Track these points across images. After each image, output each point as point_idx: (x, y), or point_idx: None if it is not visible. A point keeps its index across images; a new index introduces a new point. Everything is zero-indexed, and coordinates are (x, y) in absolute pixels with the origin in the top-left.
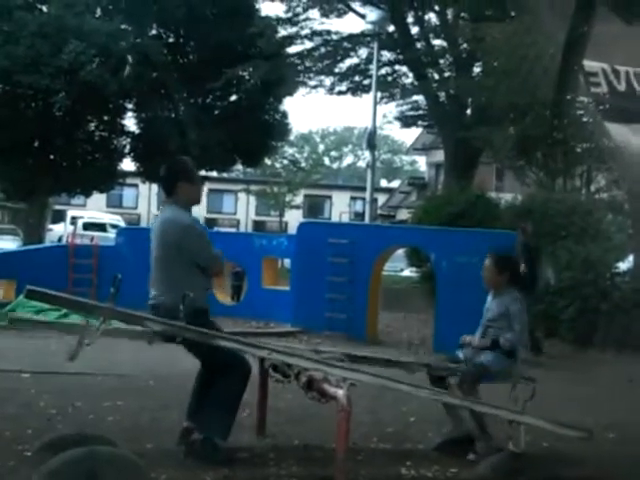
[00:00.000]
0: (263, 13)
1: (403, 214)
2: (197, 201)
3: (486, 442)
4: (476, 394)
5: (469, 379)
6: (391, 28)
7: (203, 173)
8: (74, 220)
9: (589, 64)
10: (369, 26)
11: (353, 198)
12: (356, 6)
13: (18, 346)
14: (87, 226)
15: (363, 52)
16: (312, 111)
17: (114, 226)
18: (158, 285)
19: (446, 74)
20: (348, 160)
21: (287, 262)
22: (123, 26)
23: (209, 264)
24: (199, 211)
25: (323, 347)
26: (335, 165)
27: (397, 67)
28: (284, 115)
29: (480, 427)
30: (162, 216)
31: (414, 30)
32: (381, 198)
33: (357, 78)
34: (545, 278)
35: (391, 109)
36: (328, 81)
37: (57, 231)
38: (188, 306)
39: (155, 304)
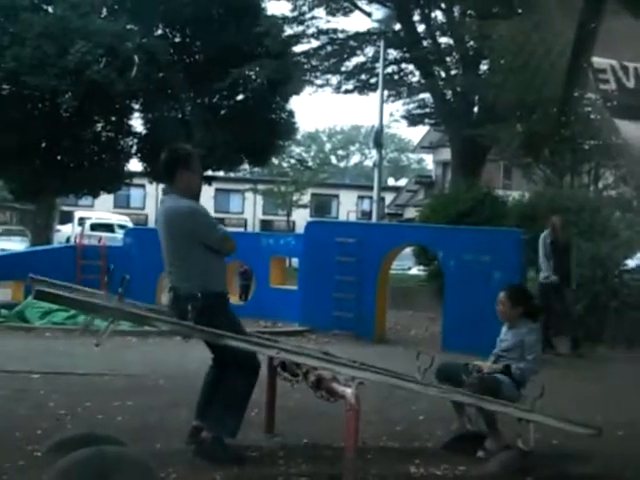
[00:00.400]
0: (269, 12)
1: (410, 212)
2: (196, 191)
3: (495, 439)
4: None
5: (481, 388)
6: (397, 26)
7: (210, 173)
8: (82, 221)
9: (597, 60)
10: (375, 24)
11: (360, 197)
12: (362, 4)
13: (27, 347)
14: (95, 227)
15: (369, 50)
16: (319, 110)
17: (122, 227)
18: (175, 275)
19: (453, 72)
20: (355, 159)
21: (295, 261)
22: (129, 26)
23: (220, 244)
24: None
25: (332, 349)
26: (342, 164)
27: (404, 65)
28: (291, 114)
29: (489, 424)
30: (164, 206)
31: (420, 28)
32: (388, 197)
33: (363, 76)
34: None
35: (398, 107)
36: (335, 80)
37: (65, 232)
38: (208, 292)
39: (175, 294)
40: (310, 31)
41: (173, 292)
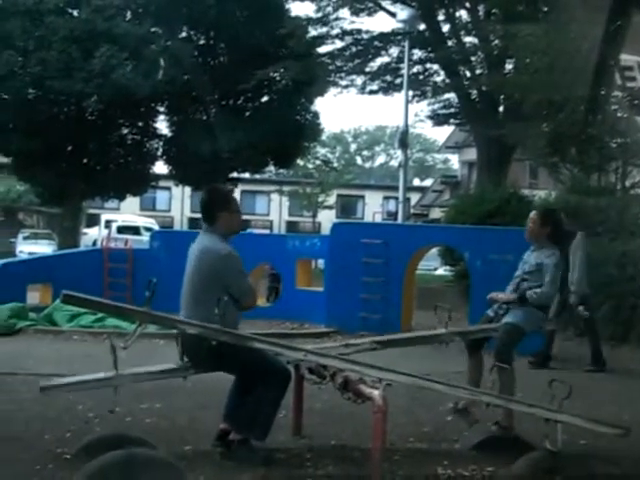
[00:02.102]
0: (293, 13)
1: (436, 213)
2: (237, 230)
3: (508, 413)
4: (510, 368)
5: (505, 348)
6: (422, 26)
7: (235, 175)
8: (108, 224)
9: (625, 58)
10: (400, 24)
11: (386, 198)
12: (386, 4)
13: (55, 350)
14: (121, 229)
15: (394, 51)
16: (344, 111)
17: (148, 229)
18: (187, 311)
19: (478, 71)
20: (380, 159)
21: (321, 263)
22: (154, 29)
23: (242, 296)
24: None
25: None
26: (367, 165)
27: (428, 65)
28: (316, 115)
29: (504, 393)
30: (200, 244)
31: (445, 28)
32: (414, 197)
33: (388, 77)
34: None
35: (423, 107)
36: (359, 80)
37: (92, 235)
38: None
39: (185, 333)
40: (334, 32)
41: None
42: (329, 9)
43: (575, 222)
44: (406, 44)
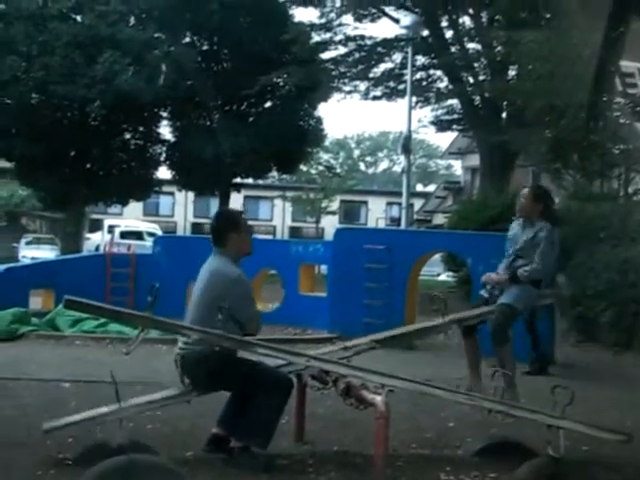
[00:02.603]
0: (297, 19)
1: (439, 219)
2: (247, 252)
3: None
4: (507, 345)
5: (501, 327)
6: (425, 32)
7: (239, 180)
8: (111, 229)
9: (625, 64)
10: (403, 30)
11: (389, 203)
12: (390, 11)
13: (58, 355)
14: (124, 234)
15: (397, 57)
16: (347, 116)
17: (151, 234)
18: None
19: (481, 78)
20: (383, 165)
21: (324, 268)
22: (157, 34)
23: (248, 322)
24: None
25: (361, 356)
26: (371, 170)
27: (432, 71)
28: (319, 121)
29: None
30: (210, 265)
31: (448, 34)
32: (417, 203)
33: (392, 83)
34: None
35: (426, 113)
36: (363, 86)
37: (94, 240)
38: (219, 355)
39: (184, 354)
40: (338, 38)
41: (182, 351)
42: (332, 15)
43: None
44: (409, 50)
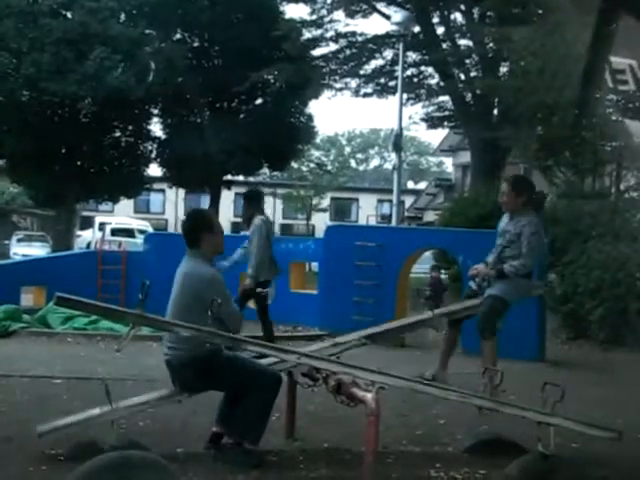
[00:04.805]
0: (287, 16)
1: (430, 216)
2: (220, 251)
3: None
4: (493, 338)
5: (489, 319)
6: (416, 29)
7: (229, 177)
8: (102, 226)
9: (616, 61)
10: (394, 27)
11: (380, 200)
12: (381, 7)
13: (49, 352)
14: (115, 232)
15: (388, 53)
16: (338, 113)
17: (142, 232)
18: (174, 336)
19: (472, 74)
20: (374, 162)
21: (314, 265)
22: (147, 31)
23: (228, 318)
24: (226, 215)
25: (352, 353)
26: (361, 167)
27: (423, 68)
28: (310, 118)
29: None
30: (185, 267)
31: (440, 30)
32: (408, 200)
33: (382, 80)
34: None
35: (417, 110)
36: (354, 83)
37: (85, 237)
38: (203, 356)
39: (169, 359)
40: (329, 34)
41: (168, 355)
42: (323, 11)
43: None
44: (400, 47)
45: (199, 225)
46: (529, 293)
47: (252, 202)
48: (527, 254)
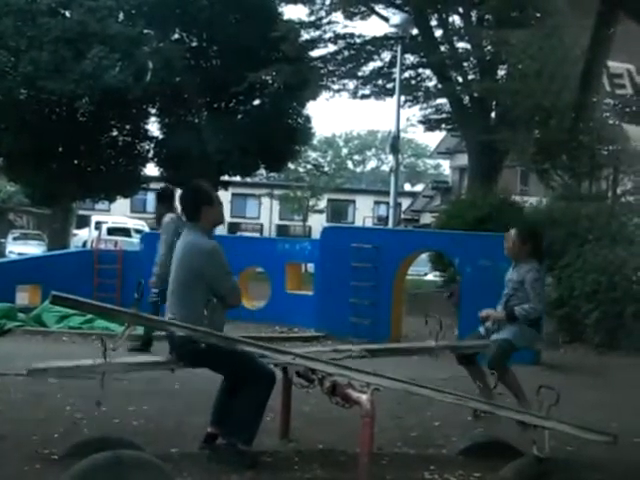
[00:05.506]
0: (286, 17)
1: (427, 218)
2: (221, 221)
3: (522, 402)
4: (508, 372)
5: (498, 361)
6: (415, 31)
7: (226, 178)
8: (98, 225)
9: (614, 65)
10: (392, 29)
11: (377, 202)
12: (380, 9)
13: (44, 351)
14: (111, 231)
15: (386, 55)
16: (335, 115)
17: (138, 231)
18: (173, 311)
19: (470, 77)
20: (371, 164)
21: (310, 267)
22: (146, 31)
23: (227, 293)
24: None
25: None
26: (358, 169)
27: (421, 70)
28: (307, 119)
29: (512, 389)
30: (185, 240)
31: (438, 33)
32: (405, 202)
33: (380, 81)
34: None
35: (415, 112)
36: (351, 85)
37: (82, 236)
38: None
39: (170, 333)
40: (327, 36)
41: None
42: (322, 13)
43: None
44: (399, 49)
45: (198, 198)
46: (532, 344)
47: (164, 201)
48: (535, 298)
